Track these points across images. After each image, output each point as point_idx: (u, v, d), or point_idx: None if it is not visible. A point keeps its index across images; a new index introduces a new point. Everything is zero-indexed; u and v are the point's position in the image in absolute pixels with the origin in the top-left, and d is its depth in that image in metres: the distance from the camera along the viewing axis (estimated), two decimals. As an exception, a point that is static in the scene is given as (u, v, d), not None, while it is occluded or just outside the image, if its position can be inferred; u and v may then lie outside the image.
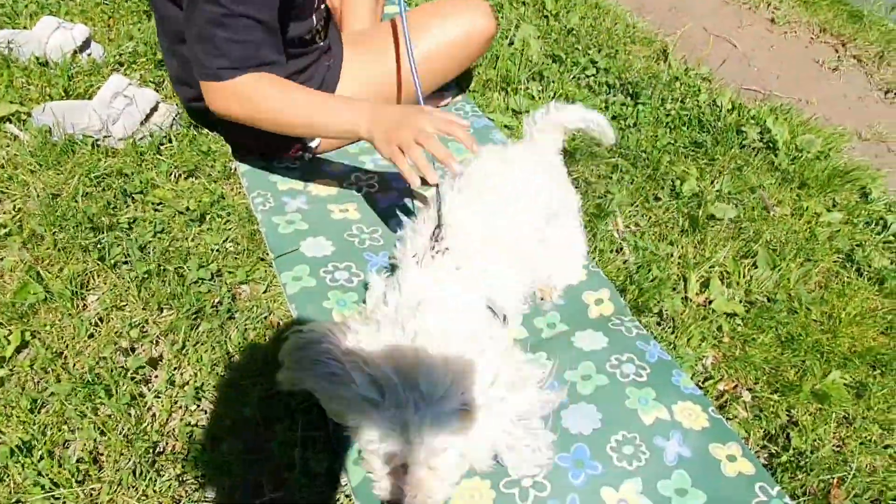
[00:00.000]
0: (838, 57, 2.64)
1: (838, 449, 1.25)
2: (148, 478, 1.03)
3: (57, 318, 1.22)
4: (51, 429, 1.07)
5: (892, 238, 1.79)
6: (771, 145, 1.99)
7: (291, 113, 1.25)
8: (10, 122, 1.60)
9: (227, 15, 1.17)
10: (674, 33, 2.67)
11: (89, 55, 1.79)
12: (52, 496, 1.00)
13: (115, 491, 1.01)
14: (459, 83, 1.99)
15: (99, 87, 1.71)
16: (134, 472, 1.03)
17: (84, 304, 1.27)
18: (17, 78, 1.71)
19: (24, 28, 1.91)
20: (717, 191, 1.80)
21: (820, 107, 2.43)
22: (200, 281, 1.31)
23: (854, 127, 2.34)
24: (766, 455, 1.22)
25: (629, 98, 2.06)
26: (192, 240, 1.40)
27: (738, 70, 2.55)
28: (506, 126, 1.88)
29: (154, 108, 1.61)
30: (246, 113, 1.26)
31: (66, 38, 1.75)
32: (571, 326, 1.35)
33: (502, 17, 2.37)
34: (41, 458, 1.03)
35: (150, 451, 1.06)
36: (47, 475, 1.01)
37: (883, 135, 2.30)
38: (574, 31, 2.36)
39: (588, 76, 2.15)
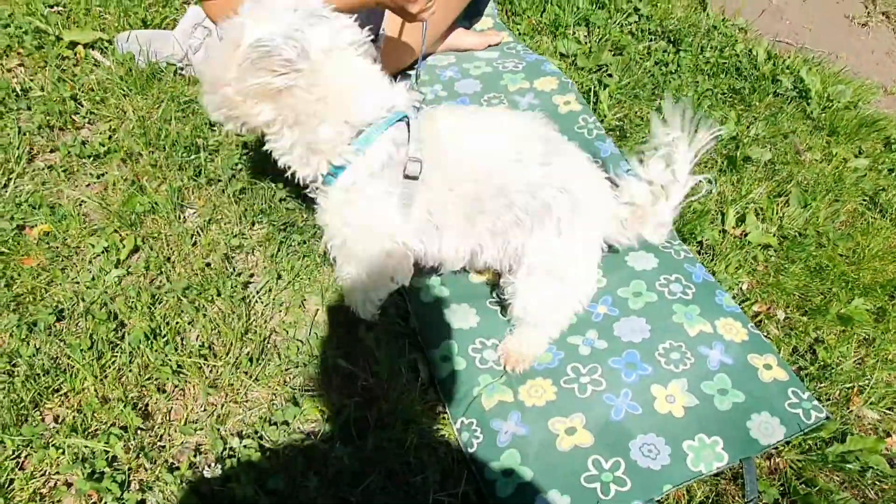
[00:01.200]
0: (868, 13, 2.71)
1: (859, 364, 1.40)
2: (260, 364, 1.18)
3: (163, 228, 1.35)
4: (171, 320, 1.21)
5: (913, 185, 1.91)
6: (804, 94, 2.09)
7: None
8: (94, 48, 1.70)
9: None
10: (709, -16, 2.73)
11: (163, -14, 1.87)
12: (180, 374, 1.15)
13: (233, 374, 1.16)
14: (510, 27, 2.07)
15: (175, 19, 1.80)
16: (250, 359, 1.18)
17: (184, 217, 1.39)
18: (94, 5, 1.79)
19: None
20: (754, 135, 1.91)
21: (849, 61, 2.51)
22: (288, 198, 1.43)
23: (881, 81, 2.43)
24: (795, 368, 1.37)
25: (671, 45, 2.14)
26: (275, 163, 1.52)
27: (771, 23, 2.61)
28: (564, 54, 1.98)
29: (229, 40, 1.70)
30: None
31: (141, -31, 1.83)
32: (625, 247, 1.43)
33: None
34: (166, 342, 1.18)
35: (262, 342, 1.21)
36: (173, 357, 1.16)
37: (908, 90, 2.39)
38: (615, -23, 2.42)
39: (631, 23, 2.22)
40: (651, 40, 2.17)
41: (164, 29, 1.76)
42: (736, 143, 1.84)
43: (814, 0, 2.76)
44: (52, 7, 1.77)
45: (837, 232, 1.68)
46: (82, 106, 1.57)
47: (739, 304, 1.45)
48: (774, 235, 1.63)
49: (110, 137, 1.50)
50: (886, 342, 1.44)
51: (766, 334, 1.41)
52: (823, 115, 2.04)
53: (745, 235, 1.62)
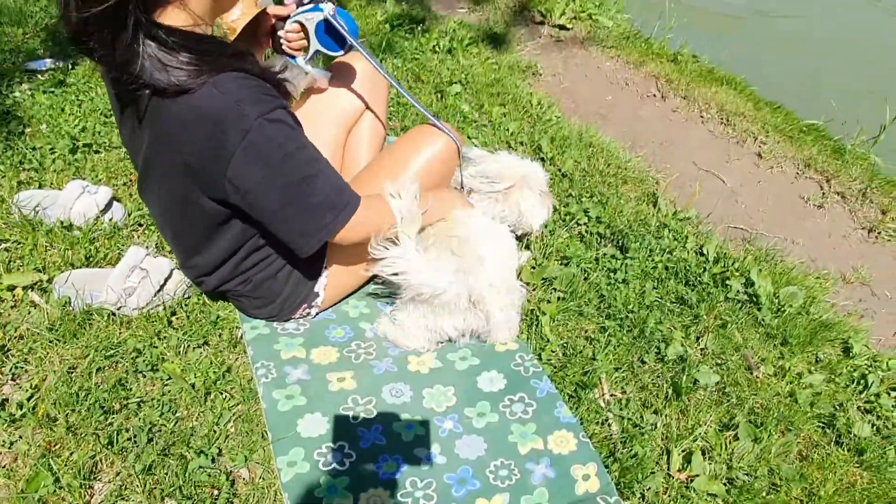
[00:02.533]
0: (823, 193, 2.76)
1: None
2: None
3: (65, 510, 1.29)
4: None
5: (872, 398, 1.85)
6: (754, 299, 2.07)
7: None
8: (32, 290, 1.72)
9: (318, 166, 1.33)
10: (665, 168, 2.81)
11: (111, 220, 1.92)
12: None
13: None
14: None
15: (119, 252, 1.84)
16: None
17: (91, 493, 1.34)
18: (41, 243, 1.83)
19: (51, 186, 2.05)
20: (703, 349, 1.88)
21: (805, 246, 2.53)
22: (201, 469, 1.38)
23: (838, 269, 2.43)
24: None
25: (619, 251, 2.16)
26: (197, 418, 1.48)
27: (726, 207, 2.66)
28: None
29: (168, 277, 1.72)
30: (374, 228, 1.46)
31: (90, 203, 1.89)
32: (558, 501, 1.43)
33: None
34: None
35: None
36: None
37: (866, 278, 2.38)
38: (568, 176, 2.49)
39: (580, 224, 2.26)
40: (599, 244, 2.19)
41: (108, 266, 1.79)
42: (683, 365, 1.80)
43: (768, 181, 2.82)
44: (-1, 244, 1.82)
45: (791, 469, 1.60)
46: (9, 359, 1.56)
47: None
48: (723, 480, 1.55)
49: (31, 397, 1.48)
50: None
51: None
52: (776, 320, 2.02)
53: (691, 481, 1.54)
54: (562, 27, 3.77)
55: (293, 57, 1.63)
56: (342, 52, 1.57)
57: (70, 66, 2.62)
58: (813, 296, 2.15)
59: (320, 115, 1.74)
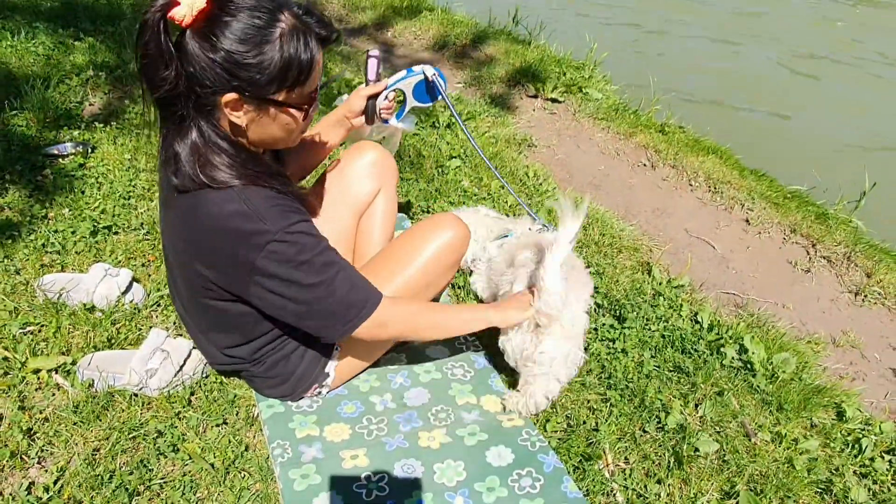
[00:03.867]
0: (809, 258, 2.87)
1: None
2: None
3: None
4: None
5: (867, 462, 1.91)
6: (749, 366, 2.15)
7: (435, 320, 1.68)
8: (57, 372, 1.79)
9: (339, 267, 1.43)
10: (658, 236, 2.93)
11: (131, 301, 2.01)
12: None
13: None
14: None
15: (139, 333, 1.92)
16: None
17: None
18: (65, 325, 1.91)
19: (73, 268, 2.15)
20: (701, 417, 1.95)
21: (796, 310, 2.63)
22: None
23: (829, 333, 2.52)
24: None
25: (617, 321, 2.25)
26: (217, 497, 1.54)
27: (717, 273, 2.77)
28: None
29: (188, 356, 1.80)
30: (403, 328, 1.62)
31: (112, 285, 1.98)
32: None
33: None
34: None
35: None
36: None
37: (856, 341, 2.47)
38: (565, 247, 2.60)
39: (578, 295, 2.36)
40: (597, 313, 2.28)
41: (129, 347, 1.87)
42: (683, 434, 1.86)
43: (757, 247, 2.94)
44: (23, 327, 1.89)
45: (792, 538, 1.65)
46: (35, 442, 1.62)
47: None
48: (726, 550, 1.60)
49: (56, 480, 1.53)
50: None
51: None
52: (770, 386, 2.09)
53: (696, 552, 1.59)
54: (554, 100, 3.97)
55: (386, 120, 1.88)
56: (434, 103, 1.92)
57: (90, 150, 2.76)
58: (805, 361, 2.24)
59: (335, 202, 1.86)
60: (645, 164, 3.48)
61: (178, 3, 1.19)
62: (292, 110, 1.35)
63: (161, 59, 1.20)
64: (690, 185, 3.32)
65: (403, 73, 1.85)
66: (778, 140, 4.20)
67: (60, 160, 2.68)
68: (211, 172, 1.29)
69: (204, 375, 1.82)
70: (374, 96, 1.80)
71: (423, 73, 1.84)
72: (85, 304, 1.97)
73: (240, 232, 1.32)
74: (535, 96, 4.02)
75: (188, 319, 1.68)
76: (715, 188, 3.26)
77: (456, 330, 1.76)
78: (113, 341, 1.89)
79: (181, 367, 1.78)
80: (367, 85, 1.81)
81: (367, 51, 1.83)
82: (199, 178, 1.30)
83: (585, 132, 3.76)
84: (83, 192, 2.52)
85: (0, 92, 3.08)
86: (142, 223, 2.41)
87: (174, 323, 1.99)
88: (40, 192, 2.49)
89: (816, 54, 5.34)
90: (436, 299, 1.92)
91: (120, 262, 2.22)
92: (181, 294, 1.62)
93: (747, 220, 3.08)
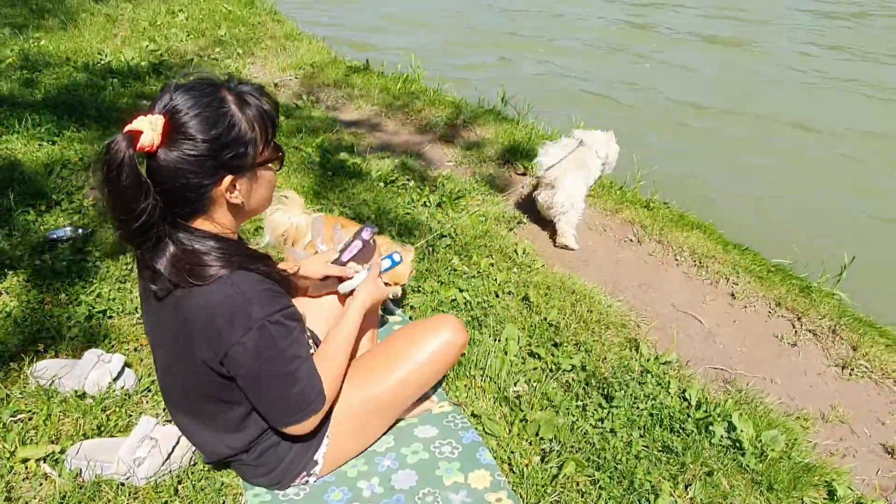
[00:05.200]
0: (795, 331, 2.91)
1: None
2: None
3: None
4: None
5: (862, 545, 1.89)
6: (738, 444, 2.16)
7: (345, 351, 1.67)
8: (45, 461, 1.79)
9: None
10: (645, 311, 2.97)
11: (122, 387, 2.03)
12: None
13: None
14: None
15: (129, 420, 1.93)
16: None
17: None
18: (55, 413, 1.93)
19: (68, 355, 2.17)
20: (691, 499, 1.94)
21: (783, 385, 2.64)
22: None
23: (817, 407, 2.53)
24: None
25: (604, 399, 2.27)
26: (201, 593, 1.52)
27: (704, 347, 2.80)
28: (492, 434, 2.07)
29: (176, 443, 1.81)
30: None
31: (104, 371, 2.00)
32: None
33: (489, 317, 2.67)
34: None
35: None
36: None
37: (845, 416, 2.48)
38: (553, 325, 2.64)
39: (566, 373, 2.38)
40: (585, 393, 2.30)
41: (119, 434, 1.88)
42: (673, 517, 1.86)
43: (743, 321, 2.99)
44: (14, 415, 1.90)
45: None
46: (19, 536, 1.61)
47: None
48: None
49: (38, 576, 1.52)
50: None
51: None
52: (760, 465, 2.09)
53: None
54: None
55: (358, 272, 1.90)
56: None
57: (89, 234, 2.83)
58: (794, 438, 2.24)
59: (322, 301, 1.91)
60: (631, 240, 3.56)
61: (141, 132, 1.25)
62: (272, 164, 1.46)
63: (139, 189, 1.25)
64: (676, 259, 3.39)
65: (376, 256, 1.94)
66: (759, 214, 4.32)
67: (60, 244, 2.75)
68: (200, 273, 1.35)
69: (192, 463, 1.83)
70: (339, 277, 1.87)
71: (391, 257, 1.98)
72: (76, 391, 1.99)
73: (226, 314, 1.39)
74: (524, 174, 4.15)
75: (182, 416, 1.69)
76: (700, 262, 3.34)
77: (352, 342, 1.72)
78: (103, 428, 1.90)
79: (169, 454, 1.78)
80: (337, 259, 1.87)
81: (364, 225, 1.93)
82: (186, 282, 1.36)
83: (573, 208, 3.86)
84: (80, 277, 2.58)
85: (4, 178, 3.19)
86: (136, 307, 2.45)
87: (164, 409, 2.00)
88: (38, 277, 2.54)
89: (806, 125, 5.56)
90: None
91: (113, 346, 2.25)
92: (174, 390, 1.64)
93: (733, 294, 3.13)
